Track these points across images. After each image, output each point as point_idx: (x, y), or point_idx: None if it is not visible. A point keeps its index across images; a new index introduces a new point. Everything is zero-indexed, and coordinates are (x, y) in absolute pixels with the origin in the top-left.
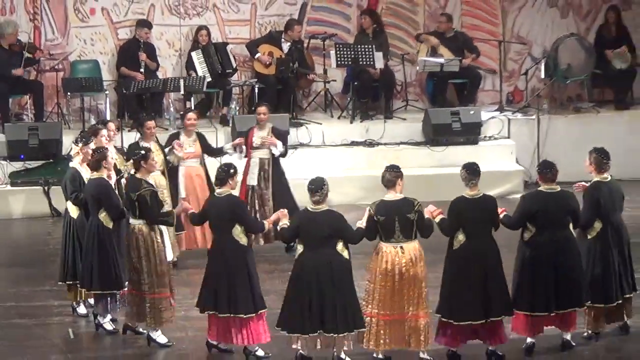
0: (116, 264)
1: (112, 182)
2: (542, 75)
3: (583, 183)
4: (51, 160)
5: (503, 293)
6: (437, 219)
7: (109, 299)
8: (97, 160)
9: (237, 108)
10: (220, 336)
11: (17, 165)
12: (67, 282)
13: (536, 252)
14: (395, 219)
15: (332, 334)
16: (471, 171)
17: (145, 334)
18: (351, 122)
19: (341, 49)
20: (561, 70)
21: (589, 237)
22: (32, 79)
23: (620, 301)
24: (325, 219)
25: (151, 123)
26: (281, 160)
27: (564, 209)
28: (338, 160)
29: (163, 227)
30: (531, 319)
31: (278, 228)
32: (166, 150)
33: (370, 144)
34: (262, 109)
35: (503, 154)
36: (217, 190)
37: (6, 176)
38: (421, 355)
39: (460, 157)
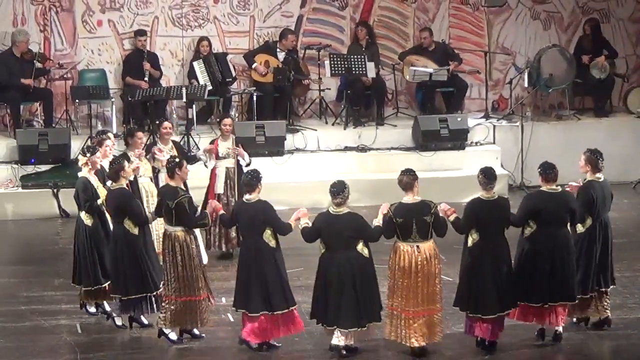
0: (149, 266)
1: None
2: (526, 84)
3: (574, 183)
4: (60, 164)
5: (514, 289)
6: (452, 218)
7: (146, 301)
8: (115, 171)
9: (237, 115)
10: (258, 336)
11: (28, 169)
12: (92, 287)
13: (535, 247)
14: (413, 221)
15: (349, 330)
16: (488, 175)
17: (196, 334)
18: (344, 129)
19: (335, 59)
20: (543, 79)
21: (579, 231)
22: (42, 87)
23: (594, 294)
24: (346, 221)
25: (140, 134)
26: (278, 164)
27: (564, 208)
28: (332, 164)
29: (197, 232)
30: (529, 308)
31: (300, 226)
32: (147, 157)
33: (363, 149)
34: (227, 120)
35: (489, 159)
36: (246, 197)
37: (17, 179)
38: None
39: (448, 161)
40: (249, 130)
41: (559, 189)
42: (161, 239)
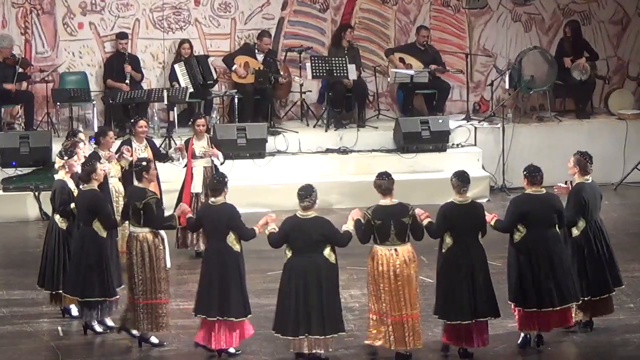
0: (111, 271)
1: (107, 168)
2: (507, 86)
3: (562, 185)
4: (41, 167)
5: (489, 295)
6: (425, 222)
7: (102, 305)
8: (87, 172)
9: (218, 117)
10: (210, 340)
11: (9, 172)
12: (54, 291)
13: (528, 251)
14: (390, 223)
15: (317, 336)
16: (462, 179)
17: (138, 337)
18: (326, 131)
19: (316, 61)
20: (525, 81)
21: (574, 235)
22: (24, 90)
23: (609, 294)
24: (314, 225)
25: (111, 133)
26: (260, 166)
27: (551, 209)
28: (313, 166)
29: (164, 234)
30: (537, 314)
31: (266, 232)
32: (116, 156)
33: (344, 151)
34: (201, 121)
35: (470, 160)
36: (212, 199)
37: None
38: (401, 352)
39: (429, 163)
40: (230, 132)
41: (544, 190)
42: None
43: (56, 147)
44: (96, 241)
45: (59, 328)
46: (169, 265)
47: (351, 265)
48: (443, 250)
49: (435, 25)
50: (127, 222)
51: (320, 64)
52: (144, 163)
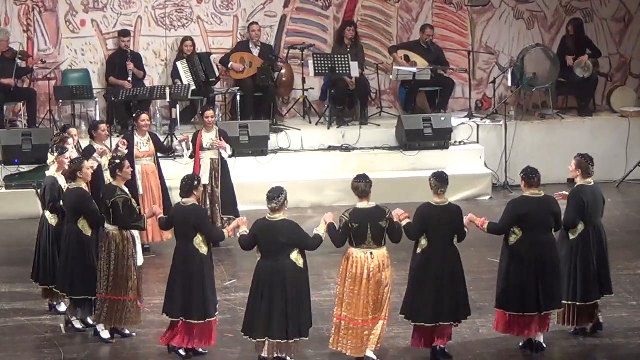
0: (95, 270)
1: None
2: (509, 84)
3: (565, 193)
4: (44, 165)
5: (458, 300)
6: (404, 223)
7: (88, 303)
8: (72, 171)
9: (220, 114)
10: (174, 339)
11: (12, 169)
12: (46, 287)
13: (522, 254)
14: (368, 226)
15: (279, 341)
16: (440, 179)
17: (134, 336)
18: (328, 128)
19: (319, 58)
20: (527, 78)
21: (571, 237)
22: (26, 87)
23: (598, 300)
24: (281, 228)
25: (104, 126)
26: (262, 164)
27: (548, 212)
28: (316, 164)
29: (135, 233)
30: (520, 318)
31: (237, 235)
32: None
33: (347, 148)
34: (210, 112)
35: (472, 158)
36: (182, 200)
37: (1, 179)
38: (369, 355)
39: (431, 161)
40: (232, 130)
41: (542, 193)
42: None
43: None
44: (81, 240)
45: (61, 325)
46: (140, 262)
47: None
48: (417, 252)
49: (438, 23)
50: None
51: (322, 62)
52: (117, 161)
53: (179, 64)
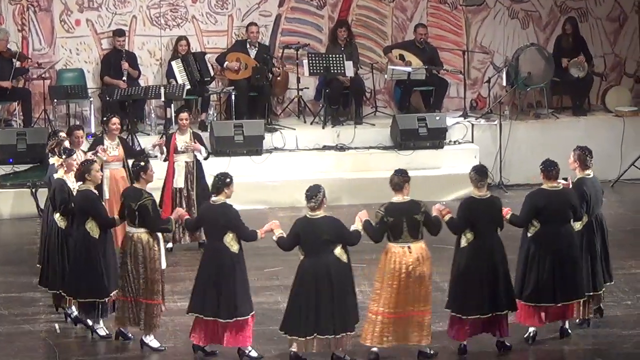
0: (103, 272)
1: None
2: (504, 83)
3: (563, 181)
4: (38, 164)
5: (508, 289)
6: (446, 218)
7: (99, 306)
8: (81, 172)
9: (215, 114)
10: (207, 339)
11: (6, 169)
12: (56, 292)
13: (541, 246)
14: (403, 220)
15: (327, 336)
16: (480, 173)
17: (134, 339)
18: (323, 128)
19: (313, 58)
20: (522, 78)
21: (576, 229)
22: (21, 87)
23: (603, 289)
24: (323, 225)
25: (80, 132)
26: (257, 163)
27: (566, 204)
28: (310, 163)
29: (159, 235)
30: (536, 309)
31: (274, 238)
32: (89, 154)
33: (341, 148)
34: (184, 115)
35: (467, 157)
36: (213, 198)
37: None
38: (423, 350)
39: (426, 160)
40: (227, 129)
41: (560, 185)
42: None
43: None
44: (88, 242)
45: (56, 325)
46: (164, 266)
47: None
48: (462, 245)
49: (433, 23)
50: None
51: (317, 61)
52: (142, 163)
53: (173, 63)
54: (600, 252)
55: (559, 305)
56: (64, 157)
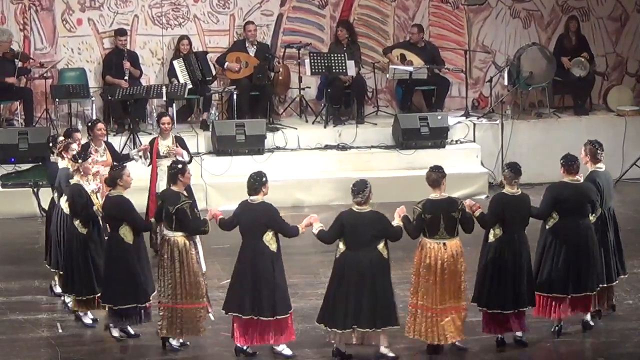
0: (140, 276)
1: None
2: (506, 83)
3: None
4: (40, 163)
5: (531, 285)
6: (477, 213)
7: (136, 311)
8: (112, 178)
9: (217, 114)
10: (249, 339)
11: (8, 168)
12: (82, 297)
13: (558, 237)
14: (440, 217)
15: (367, 329)
16: (514, 170)
17: (171, 342)
18: (325, 127)
19: (315, 57)
20: (523, 77)
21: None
22: (22, 86)
23: (616, 282)
24: (370, 220)
25: (166, 119)
26: (259, 162)
27: (586, 198)
28: (312, 163)
29: (197, 239)
30: (550, 300)
31: (314, 231)
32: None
33: (343, 147)
34: (166, 119)
35: (469, 157)
36: (251, 197)
37: None
38: (457, 344)
39: (428, 160)
40: (229, 128)
41: (580, 179)
42: None
43: None
44: (122, 248)
45: (58, 324)
46: (204, 269)
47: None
48: (490, 240)
49: (435, 22)
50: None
51: (319, 60)
52: (180, 166)
53: (175, 62)
54: (613, 245)
55: (575, 297)
56: (79, 161)
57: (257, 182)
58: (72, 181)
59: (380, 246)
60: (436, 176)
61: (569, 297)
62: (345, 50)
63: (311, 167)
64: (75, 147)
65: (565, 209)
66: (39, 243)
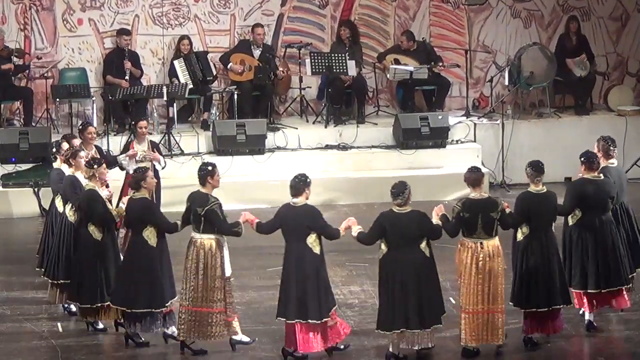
0: (161, 281)
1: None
2: (506, 82)
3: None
4: (41, 163)
5: (563, 282)
6: (506, 212)
7: (152, 316)
8: (136, 180)
9: (217, 113)
10: (290, 343)
11: (9, 168)
12: (95, 305)
13: (583, 234)
14: (478, 216)
15: (416, 330)
16: (536, 168)
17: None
18: (325, 127)
19: (316, 57)
20: (524, 77)
21: None
22: (23, 86)
23: (634, 274)
24: (412, 220)
25: (143, 123)
26: (259, 162)
27: (607, 194)
28: (313, 163)
29: (225, 242)
30: (582, 296)
31: (353, 234)
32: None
33: (344, 147)
34: (143, 123)
35: (469, 157)
36: (293, 200)
37: None
38: (498, 348)
39: (429, 160)
40: (229, 128)
41: (601, 176)
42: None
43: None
44: (146, 250)
45: (59, 325)
46: (228, 273)
47: (350, 261)
48: (519, 239)
49: (435, 22)
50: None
51: (319, 60)
52: (209, 167)
53: (176, 62)
54: (629, 239)
55: (605, 292)
56: (95, 167)
57: (300, 184)
58: (87, 187)
59: (423, 245)
60: (477, 176)
61: (602, 291)
62: (347, 50)
63: (312, 167)
64: (83, 154)
65: (589, 205)
66: (39, 243)
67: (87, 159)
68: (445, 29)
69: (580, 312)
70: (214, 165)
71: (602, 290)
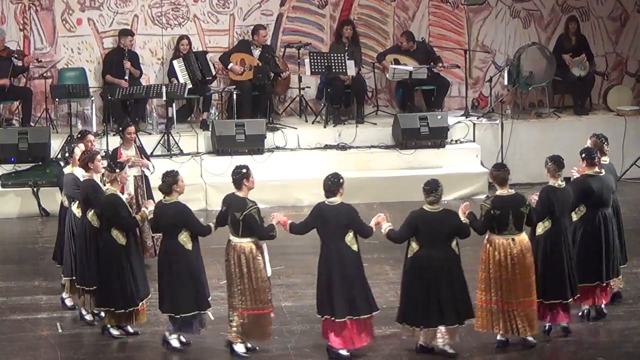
0: (200, 283)
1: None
2: (506, 82)
3: (574, 170)
4: (40, 163)
5: (575, 275)
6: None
7: (199, 319)
8: (168, 184)
9: (217, 113)
10: (346, 342)
11: (8, 168)
12: (127, 309)
13: (587, 228)
14: (509, 213)
15: (453, 325)
16: (558, 163)
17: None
18: (325, 127)
19: (315, 57)
20: (523, 77)
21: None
22: (22, 86)
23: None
24: (444, 218)
25: (131, 129)
26: (258, 162)
27: (610, 190)
28: (312, 162)
29: (264, 245)
30: (592, 288)
31: (383, 231)
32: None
33: (343, 147)
34: (132, 128)
35: (468, 157)
36: (328, 200)
37: None
38: (529, 339)
39: (428, 159)
40: (229, 128)
41: (603, 172)
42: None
43: (55, 143)
44: (183, 254)
45: (58, 324)
46: (269, 273)
47: None
48: (538, 233)
49: (434, 22)
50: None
51: (319, 60)
52: (244, 170)
53: (175, 62)
54: (619, 234)
55: (602, 285)
56: (117, 171)
57: (334, 184)
58: (108, 192)
59: (453, 243)
60: (504, 174)
61: (604, 284)
62: (347, 50)
63: (311, 167)
64: (100, 157)
65: (593, 201)
66: (39, 243)
67: (106, 164)
68: (444, 29)
69: (582, 308)
70: (247, 168)
71: (603, 283)
